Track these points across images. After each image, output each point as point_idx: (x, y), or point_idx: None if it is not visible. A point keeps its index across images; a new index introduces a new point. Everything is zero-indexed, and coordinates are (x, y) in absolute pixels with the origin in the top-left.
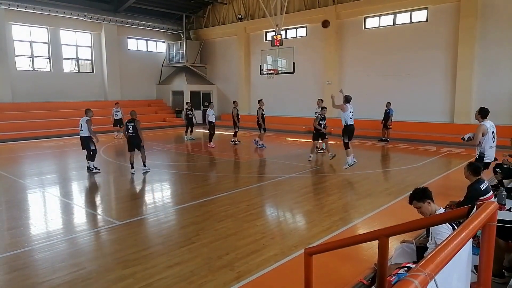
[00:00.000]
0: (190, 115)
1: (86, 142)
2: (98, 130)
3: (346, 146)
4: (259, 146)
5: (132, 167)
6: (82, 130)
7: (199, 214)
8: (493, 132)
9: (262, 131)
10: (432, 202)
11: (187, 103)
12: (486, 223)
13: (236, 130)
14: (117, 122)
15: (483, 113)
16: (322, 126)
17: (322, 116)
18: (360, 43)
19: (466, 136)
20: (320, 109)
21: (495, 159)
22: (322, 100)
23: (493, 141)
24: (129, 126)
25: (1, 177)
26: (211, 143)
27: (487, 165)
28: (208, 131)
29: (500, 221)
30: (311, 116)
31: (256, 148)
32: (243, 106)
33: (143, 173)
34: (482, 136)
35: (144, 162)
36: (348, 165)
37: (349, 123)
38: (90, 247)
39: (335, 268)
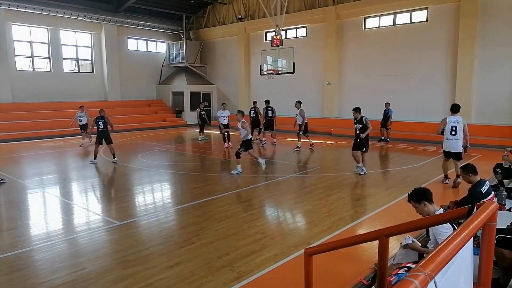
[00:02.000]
0: (204, 115)
1: None
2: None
3: (238, 156)
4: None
5: (95, 158)
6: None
7: (199, 214)
8: (453, 126)
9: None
10: (429, 203)
11: (200, 103)
12: (486, 223)
13: (261, 127)
14: (83, 128)
15: (452, 108)
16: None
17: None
18: (360, 43)
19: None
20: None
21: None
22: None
23: (451, 134)
24: (99, 122)
25: (1, 177)
26: (229, 143)
27: (445, 154)
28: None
29: (502, 231)
30: (311, 116)
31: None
32: (244, 107)
33: (114, 162)
34: (444, 127)
35: (114, 154)
36: (237, 172)
37: (248, 137)
38: (90, 248)
39: (335, 268)
